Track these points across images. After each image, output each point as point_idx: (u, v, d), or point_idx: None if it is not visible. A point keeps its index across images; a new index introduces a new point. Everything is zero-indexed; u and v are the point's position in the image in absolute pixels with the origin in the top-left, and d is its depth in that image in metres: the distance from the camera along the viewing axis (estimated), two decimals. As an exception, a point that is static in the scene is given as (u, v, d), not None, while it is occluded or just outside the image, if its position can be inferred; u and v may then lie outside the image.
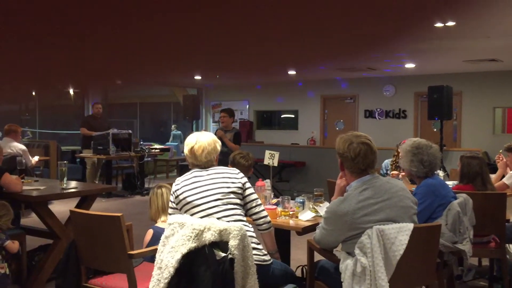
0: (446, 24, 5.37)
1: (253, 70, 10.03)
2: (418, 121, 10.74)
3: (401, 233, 2.37)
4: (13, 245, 3.42)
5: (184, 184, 2.78)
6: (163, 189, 3.40)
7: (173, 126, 14.08)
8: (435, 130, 10.17)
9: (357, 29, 5.76)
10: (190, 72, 10.05)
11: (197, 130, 11.37)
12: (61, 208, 5.50)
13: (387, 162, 5.49)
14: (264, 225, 2.88)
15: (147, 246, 3.14)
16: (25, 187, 4.17)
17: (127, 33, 5.66)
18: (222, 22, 5.30)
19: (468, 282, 4.12)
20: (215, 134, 5.93)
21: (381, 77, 10.83)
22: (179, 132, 13.73)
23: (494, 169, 4.79)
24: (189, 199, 2.72)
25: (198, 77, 10.69)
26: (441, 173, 4.99)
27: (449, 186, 3.39)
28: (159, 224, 3.32)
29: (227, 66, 9.21)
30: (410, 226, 2.39)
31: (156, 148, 10.41)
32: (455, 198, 3.10)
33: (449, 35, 5.99)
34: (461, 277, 4.11)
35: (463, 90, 10.04)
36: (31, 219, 5.66)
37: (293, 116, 12.67)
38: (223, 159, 4.25)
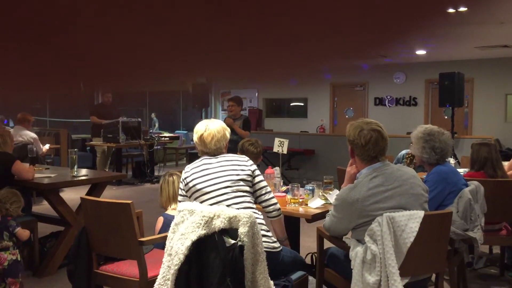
0: (459, 10, 5.29)
1: (261, 68, 9.99)
2: (429, 109, 10.64)
3: (411, 221, 2.35)
4: (23, 233, 3.41)
5: (193, 172, 2.78)
6: (174, 177, 3.40)
7: (152, 114, 14.39)
8: (446, 117, 10.09)
9: (369, 15, 5.69)
10: (199, 67, 10.01)
11: (206, 118, 11.37)
12: (72, 196, 5.55)
13: (403, 153, 5.21)
14: (273, 212, 2.88)
15: (158, 234, 3.16)
16: (36, 175, 4.21)
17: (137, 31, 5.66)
18: (236, 26, 5.27)
19: (479, 270, 4.10)
20: (224, 122, 5.93)
21: (392, 64, 10.73)
22: (156, 119, 14.33)
23: (506, 157, 4.73)
24: (198, 187, 2.72)
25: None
26: (452, 161, 4.92)
27: (460, 173, 3.35)
28: (169, 211, 3.33)
29: (238, 64, 9.17)
30: (421, 213, 2.37)
31: (165, 136, 10.43)
32: (466, 186, 3.07)
33: (461, 20, 5.90)
34: (472, 265, 4.09)
35: (475, 77, 9.91)
36: (43, 207, 5.72)
37: (302, 104, 12.62)
38: (232, 147, 4.25)
